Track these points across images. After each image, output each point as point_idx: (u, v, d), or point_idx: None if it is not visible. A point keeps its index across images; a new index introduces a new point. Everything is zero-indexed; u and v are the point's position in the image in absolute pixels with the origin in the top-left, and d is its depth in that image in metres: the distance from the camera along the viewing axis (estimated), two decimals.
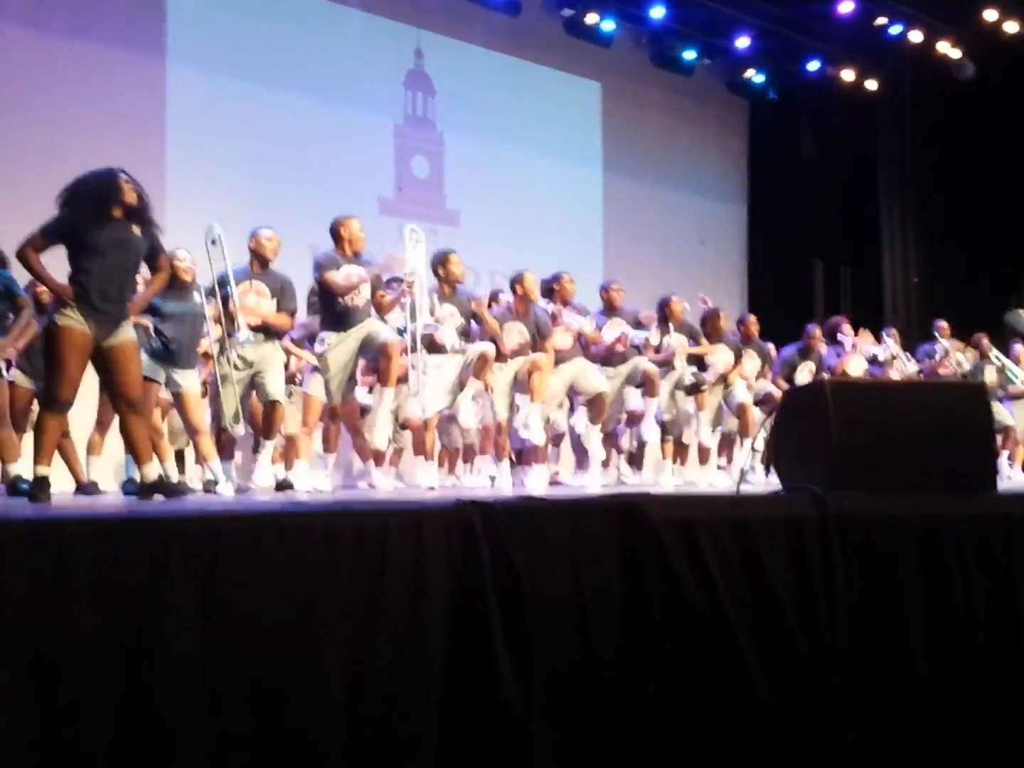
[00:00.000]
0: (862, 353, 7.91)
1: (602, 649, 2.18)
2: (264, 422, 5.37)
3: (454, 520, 2.11)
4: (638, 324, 6.80)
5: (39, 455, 3.87)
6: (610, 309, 6.74)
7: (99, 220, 3.85)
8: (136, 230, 3.98)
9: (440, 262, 5.90)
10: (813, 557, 2.44)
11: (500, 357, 5.92)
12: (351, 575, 1.96)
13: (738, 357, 7.45)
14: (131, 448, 4.02)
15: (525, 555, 2.12)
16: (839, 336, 7.90)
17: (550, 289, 6.38)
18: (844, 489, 2.67)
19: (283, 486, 5.91)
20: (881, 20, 10.47)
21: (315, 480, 5.56)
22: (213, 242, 5.09)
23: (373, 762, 1.90)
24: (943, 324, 8.70)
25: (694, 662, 2.24)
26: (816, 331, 7.79)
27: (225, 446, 5.31)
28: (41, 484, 3.80)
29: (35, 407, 6.17)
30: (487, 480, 6.20)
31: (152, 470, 3.97)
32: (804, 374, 7.57)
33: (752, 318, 7.82)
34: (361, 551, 1.98)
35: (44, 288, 6.02)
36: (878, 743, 2.42)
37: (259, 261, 5.29)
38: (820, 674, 2.32)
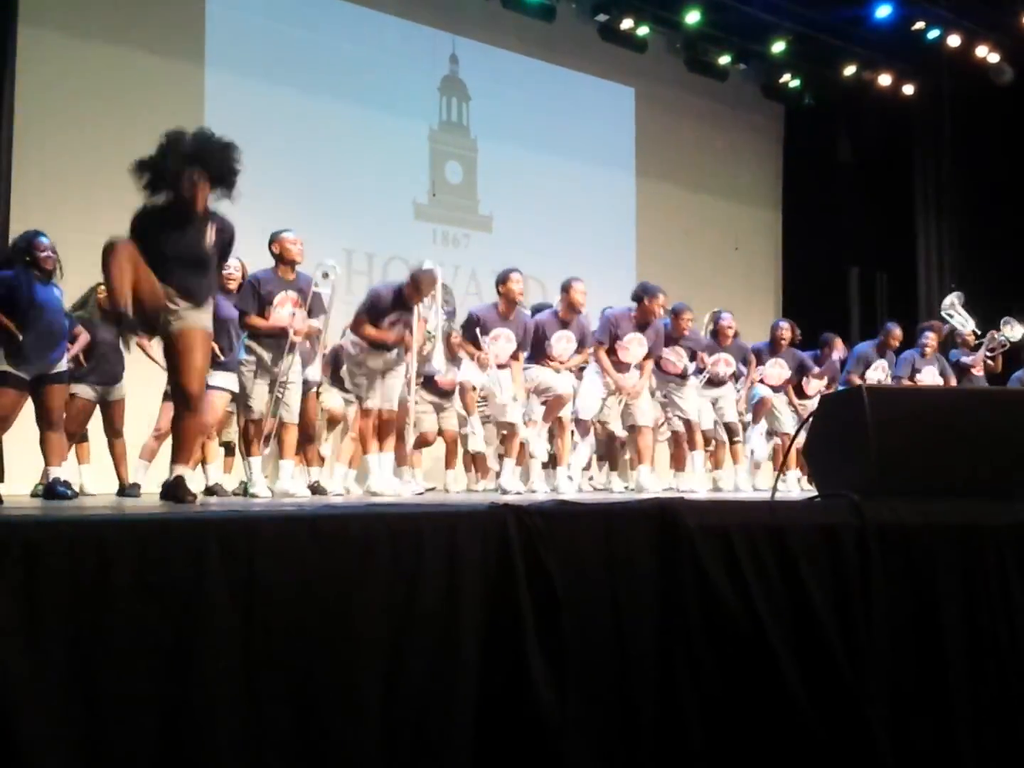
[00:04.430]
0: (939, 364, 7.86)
1: (637, 654, 2.17)
2: (280, 443, 5.38)
3: (488, 524, 2.11)
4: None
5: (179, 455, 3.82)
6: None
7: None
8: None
9: (501, 281, 5.97)
10: (850, 565, 2.41)
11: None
12: (386, 578, 1.96)
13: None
14: (174, 444, 3.96)
15: (559, 559, 2.12)
16: (923, 343, 7.86)
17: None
18: (882, 496, 2.63)
19: (315, 490, 5.94)
20: (919, 24, 10.38)
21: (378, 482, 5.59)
22: (325, 275, 5.26)
23: (408, 764, 1.91)
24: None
25: (730, 669, 2.22)
26: (896, 330, 7.75)
27: (253, 442, 5.33)
28: (179, 484, 3.75)
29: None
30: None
31: (179, 471, 3.88)
32: (878, 372, 7.52)
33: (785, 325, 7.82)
34: (396, 554, 1.98)
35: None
36: (915, 752, 2.39)
37: (286, 264, 5.31)
38: (858, 683, 2.29)
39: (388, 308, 5.36)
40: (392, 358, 5.47)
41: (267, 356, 5.18)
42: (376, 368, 5.39)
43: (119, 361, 6.10)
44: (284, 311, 5.27)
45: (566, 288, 6.15)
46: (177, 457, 3.86)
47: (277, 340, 5.22)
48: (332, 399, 6.91)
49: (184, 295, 3.76)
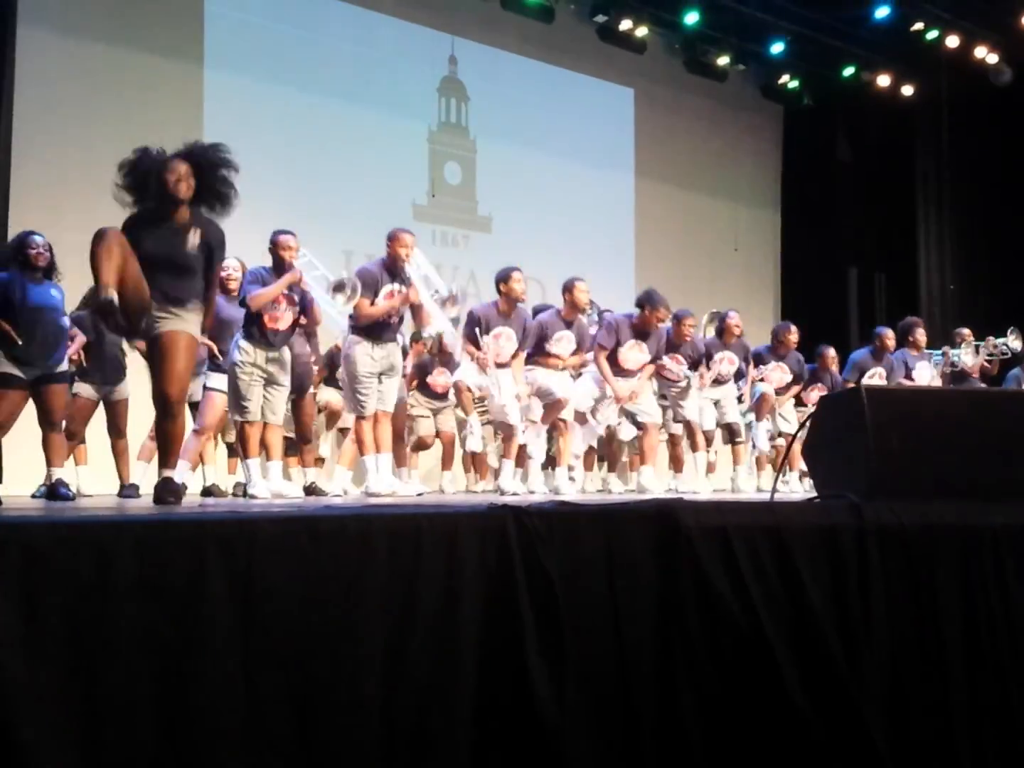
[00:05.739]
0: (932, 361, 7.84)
1: (636, 655, 2.17)
2: (266, 445, 5.40)
3: (487, 524, 2.11)
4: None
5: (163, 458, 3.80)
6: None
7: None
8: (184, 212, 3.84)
9: (502, 279, 5.93)
10: (850, 566, 2.42)
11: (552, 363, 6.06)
12: (385, 578, 1.96)
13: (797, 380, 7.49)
14: (159, 449, 3.91)
15: (558, 560, 2.12)
16: (912, 339, 7.82)
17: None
18: (881, 497, 2.64)
19: (311, 491, 5.93)
20: (918, 25, 10.38)
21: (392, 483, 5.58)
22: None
23: (407, 763, 1.91)
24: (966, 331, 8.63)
25: (729, 670, 2.22)
26: (887, 332, 7.71)
27: (251, 444, 5.32)
28: (163, 484, 3.75)
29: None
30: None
31: (166, 473, 3.82)
32: (875, 380, 7.49)
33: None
34: (395, 555, 1.98)
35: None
36: (914, 753, 2.39)
37: (281, 267, 5.35)
38: (857, 684, 2.30)
39: (379, 281, 5.38)
40: (386, 355, 5.44)
41: (261, 356, 5.20)
42: (372, 372, 5.37)
43: (122, 361, 6.11)
44: (279, 307, 5.32)
45: (569, 288, 6.13)
46: (163, 461, 3.83)
47: (271, 340, 5.26)
48: (329, 394, 6.91)
49: (167, 301, 3.74)
